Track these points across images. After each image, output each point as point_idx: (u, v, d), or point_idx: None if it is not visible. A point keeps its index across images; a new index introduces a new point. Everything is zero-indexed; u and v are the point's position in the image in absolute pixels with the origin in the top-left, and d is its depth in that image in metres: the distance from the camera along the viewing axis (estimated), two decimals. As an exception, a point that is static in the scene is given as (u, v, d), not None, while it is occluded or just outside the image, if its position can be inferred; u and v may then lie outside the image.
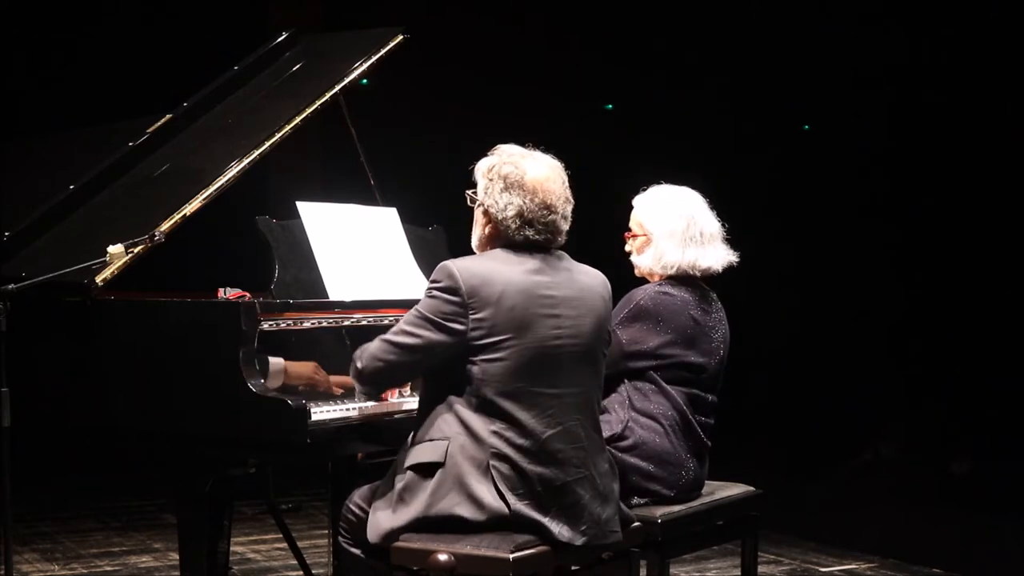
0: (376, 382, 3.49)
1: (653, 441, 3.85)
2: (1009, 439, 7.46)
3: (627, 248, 4.08)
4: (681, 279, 3.99)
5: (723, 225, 4.09)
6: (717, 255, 4.03)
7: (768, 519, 4.34)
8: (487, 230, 3.46)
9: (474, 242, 3.54)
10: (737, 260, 4.09)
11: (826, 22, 8.39)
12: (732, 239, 4.13)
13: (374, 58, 4.63)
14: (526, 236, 3.41)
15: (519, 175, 3.41)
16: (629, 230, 4.07)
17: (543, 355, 3.35)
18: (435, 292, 3.35)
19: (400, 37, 4.71)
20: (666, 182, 4.11)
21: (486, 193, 3.44)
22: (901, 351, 8.33)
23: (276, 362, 3.76)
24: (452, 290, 3.32)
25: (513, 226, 3.40)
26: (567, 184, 3.49)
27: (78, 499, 7.17)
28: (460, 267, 3.35)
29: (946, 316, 8.14)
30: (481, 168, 3.48)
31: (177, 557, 4.07)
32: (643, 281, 4.04)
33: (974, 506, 6.81)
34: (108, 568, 5.82)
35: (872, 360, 8.43)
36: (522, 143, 3.56)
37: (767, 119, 8.88)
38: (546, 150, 3.53)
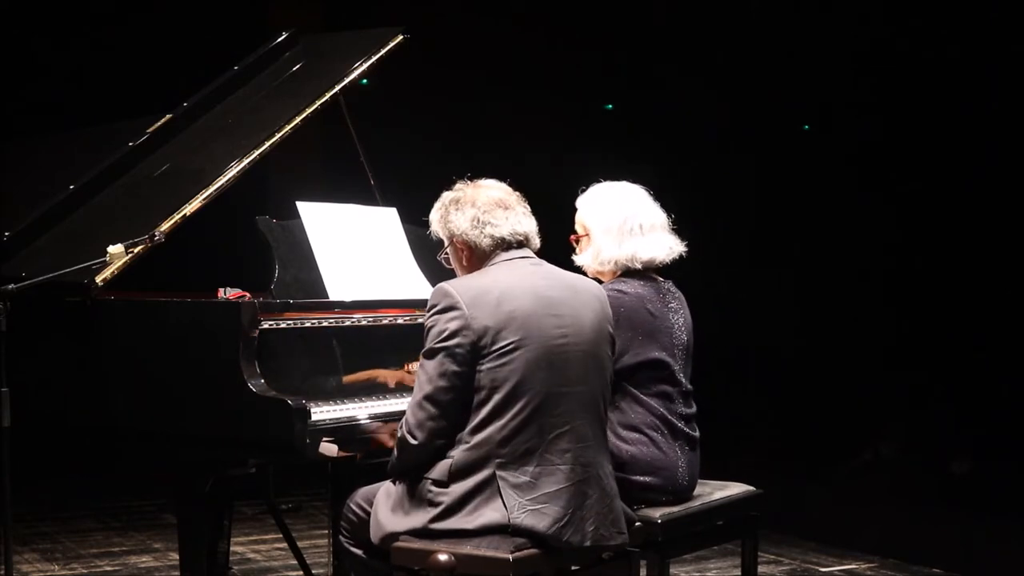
0: (435, 438, 3.39)
1: (642, 453, 3.83)
2: (1009, 439, 7.46)
3: (574, 254, 4.03)
4: (631, 274, 3.93)
5: (669, 216, 4.00)
6: (659, 245, 3.93)
7: (768, 519, 4.33)
8: (464, 257, 3.53)
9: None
10: (686, 250, 3.99)
11: (827, 22, 8.39)
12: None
13: (374, 58, 4.63)
14: (491, 236, 3.47)
15: (463, 195, 3.54)
16: (575, 234, 4.03)
17: (550, 354, 3.37)
18: (435, 315, 3.36)
19: (400, 37, 4.71)
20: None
21: (444, 225, 3.54)
22: (901, 351, 8.33)
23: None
24: (451, 307, 3.34)
25: (475, 233, 3.48)
26: (516, 193, 3.57)
27: (78, 499, 7.17)
28: (455, 284, 3.39)
29: (947, 316, 8.14)
30: (433, 217, 3.59)
31: (177, 557, 4.07)
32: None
33: (974, 506, 6.81)
34: (108, 568, 5.82)
35: (872, 360, 8.43)
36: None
37: (768, 119, 8.88)
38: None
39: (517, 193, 3.59)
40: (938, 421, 7.88)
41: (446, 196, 3.57)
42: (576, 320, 3.44)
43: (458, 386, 3.34)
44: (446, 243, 3.57)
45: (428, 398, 3.36)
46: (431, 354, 3.36)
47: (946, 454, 7.69)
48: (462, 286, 3.38)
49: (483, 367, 3.33)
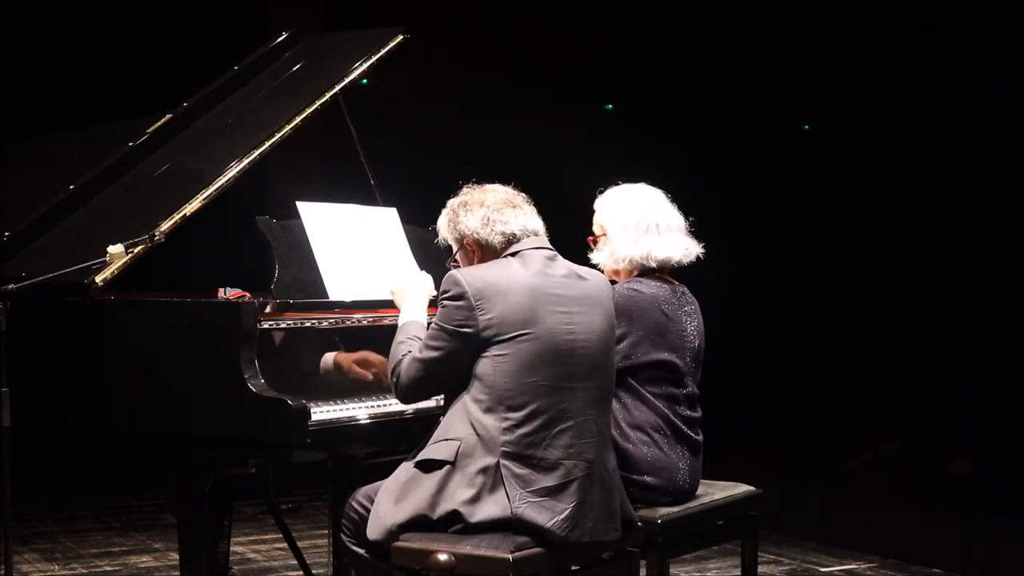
0: (417, 396, 3.59)
1: (643, 453, 3.83)
2: (1009, 439, 7.47)
3: (591, 252, 4.04)
4: (647, 274, 3.94)
5: (687, 219, 4.02)
6: (675, 246, 3.94)
7: (768, 519, 4.34)
8: (476, 258, 3.57)
9: None
10: (703, 252, 4.00)
11: (827, 21, 8.39)
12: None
13: (374, 58, 4.63)
14: (503, 233, 3.52)
15: (471, 198, 3.60)
16: (592, 235, 4.04)
17: (556, 350, 3.41)
18: (445, 302, 3.44)
19: (400, 37, 4.71)
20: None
21: (454, 228, 3.59)
22: (901, 351, 8.33)
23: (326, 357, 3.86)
24: (459, 296, 3.40)
25: (487, 232, 3.53)
26: (522, 194, 3.63)
27: (78, 499, 7.17)
28: (465, 273, 3.45)
29: (947, 316, 8.14)
30: (441, 223, 3.65)
31: (177, 557, 4.07)
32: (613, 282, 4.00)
33: (974, 506, 6.82)
34: (108, 568, 5.82)
35: (872, 360, 8.43)
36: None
37: (767, 119, 8.88)
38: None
39: (523, 194, 3.63)
40: (938, 421, 7.89)
41: (453, 201, 3.62)
42: (585, 319, 3.47)
43: (454, 366, 3.43)
44: (455, 247, 3.61)
45: (425, 362, 3.46)
46: (438, 328, 3.45)
47: (946, 454, 7.70)
48: (471, 276, 3.43)
49: (487, 355, 3.38)
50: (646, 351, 3.84)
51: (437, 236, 3.69)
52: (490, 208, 3.54)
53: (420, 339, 3.55)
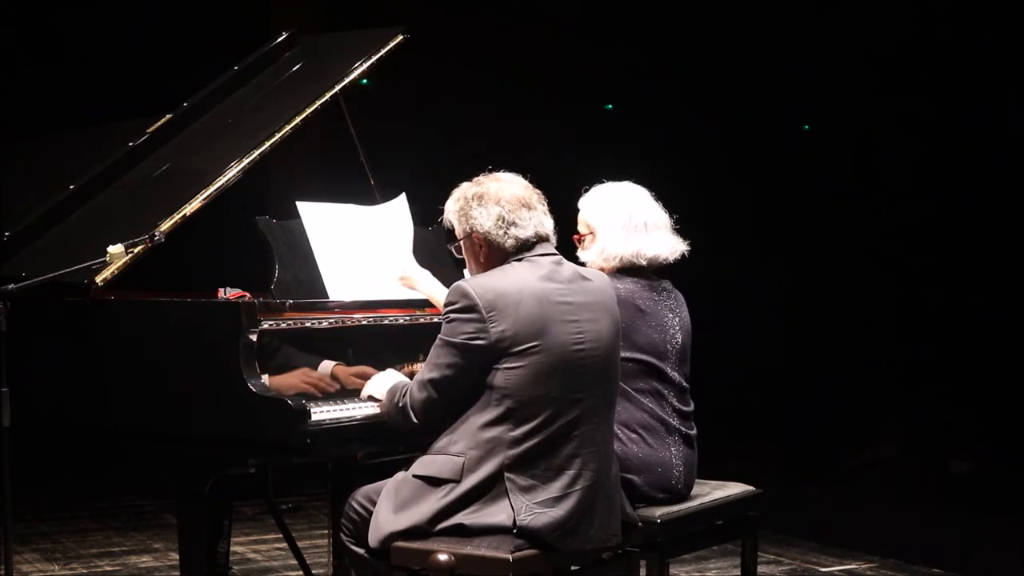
0: (431, 419, 3.48)
1: (633, 451, 3.83)
2: (1009, 439, 7.46)
3: (578, 251, 4.05)
4: (628, 271, 3.95)
5: (672, 216, 4.04)
6: (664, 244, 3.97)
7: (768, 519, 4.34)
8: (482, 254, 3.51)
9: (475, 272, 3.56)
10: (688, 250, 4.02)
11: (826, 21, 8.39)
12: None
13: (374, 58, 4.63)
14: (516, 237, 3.45)
15: (487, 190, 3.50)
16: (577, 233, 4.04)
17: (567, 361, 3.38)
18: (453, 315, 3.38)
19: (400, 37, 4.71)
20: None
21: (465, 219, 3.50)
22: (901, 351, 8.33)
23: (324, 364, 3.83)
24: (469, 308, 3.35)
25: (499, 233, 3.45)
26: (536, 190, 3.56)
27: (78, 499, 7.17)
28: (473, 284, 3.38)
29: (946, 315, 8.13)
30: (450, 207, 3.55)
31: (177, 557, 4.08)
32: None
33: (974, 506, 6.81)
34: (108, 568, 5.82)
35: (872, 360, 8.43)
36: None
37: (767, 119, 8.88)
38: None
39: (537, 191, 3.57)
40: (938, 420, 7.88)
41: (468, 189, 3.53)
42: (594, 326, 3.45)
43: (464, 382, 3.38)
44: (461, 236, 3.54)
45: (433, 383, 3.41)
46: (445, 344, 3.38)
47: (946, 454, 7.69)
48: (481, 287, 3.37)
49: (499, 368, 3.34)
50: (623, 348, 3.83)
51: (440, 227, 3.65)
52: (505, 208, 3.45)
53: (409, 380, 3.52)
